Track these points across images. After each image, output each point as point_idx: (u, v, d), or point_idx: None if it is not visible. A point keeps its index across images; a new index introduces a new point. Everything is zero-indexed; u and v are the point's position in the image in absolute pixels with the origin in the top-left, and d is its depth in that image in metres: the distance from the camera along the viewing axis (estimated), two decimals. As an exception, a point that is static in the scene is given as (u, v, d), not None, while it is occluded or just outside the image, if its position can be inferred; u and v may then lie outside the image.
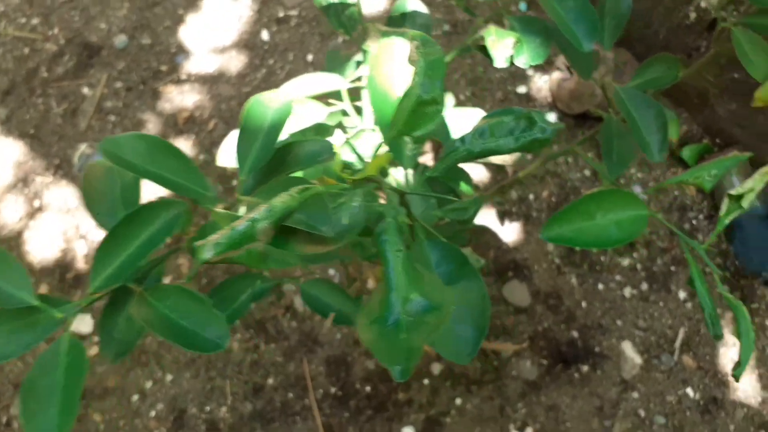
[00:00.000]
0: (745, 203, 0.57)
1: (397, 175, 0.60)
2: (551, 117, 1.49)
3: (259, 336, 1.32)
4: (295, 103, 0.65)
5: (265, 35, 1.58)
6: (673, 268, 1.41)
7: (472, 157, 0.42)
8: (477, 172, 1.43)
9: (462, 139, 0.42)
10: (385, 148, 0.39)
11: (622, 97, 0.58)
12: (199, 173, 0.44)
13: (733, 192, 0.57)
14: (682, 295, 1.40)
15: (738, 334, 0.53)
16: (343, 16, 0.69)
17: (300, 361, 1.29)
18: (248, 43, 1.57)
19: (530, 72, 1.53)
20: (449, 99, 0.69)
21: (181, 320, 0.40)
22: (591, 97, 1.40)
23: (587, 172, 1.46)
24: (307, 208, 0.34)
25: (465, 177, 0.77)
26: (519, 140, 0.41)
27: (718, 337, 0.56)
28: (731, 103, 1.40)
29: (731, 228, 1.43)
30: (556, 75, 1.45)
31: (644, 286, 1.40)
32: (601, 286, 1.39)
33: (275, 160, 0.45)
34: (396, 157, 0.47)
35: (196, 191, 0.42)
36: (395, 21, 0.66)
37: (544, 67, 1.53)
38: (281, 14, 1.60)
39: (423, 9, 0.67)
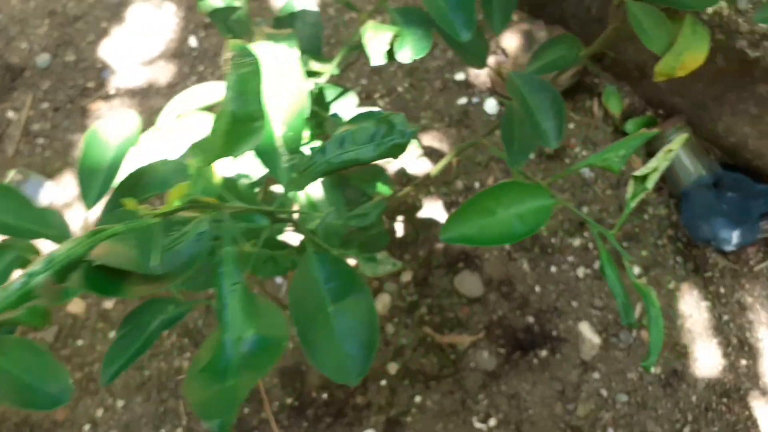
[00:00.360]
0: (650, 184, 0.54)
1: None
2: (491, 102, 1.46)
3: (209, 352, 1.28)
4: (183, 116, 0.62)
5: (193, 42, 1.54)
6: (624, 244, 1.40)
7: (332, 169, 0.39)
8: (419, 162, 1.40)
9: (322, 150, 0.39)
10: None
11: (517, 84, 0.55)
12: (45, 212, 0.40)
13: (637, 173, 0.55)
14: (636, 270, 1.39)
15: (648, 323, 0.51)
16: (231, 21, 0.65)
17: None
18: (176, 52, 1.52)
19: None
20: (352, 99, 0.66)
21: (23, 375, 0.37)
22: (560, 75, 1.37)
23: (531, 155, 1.45)
24: (138, 244, 0.31)
25: (381, 176, 0.74)
26: (379, 147, 0.38)
27: (632, 325, 0.53)
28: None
29: (679, 199, 1.42)
30: (493, 59, 1.43)
31: (597, 264, 1.38)
32: (553, 269, 1.37)
33: (127, 186, 0.41)
34: (272, 173, 0.44)
35: (36, 232, 0.39)
36: (283, 22, 0.62)
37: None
38: (208, 19, 1.55)
39: (313, 7, 0.64)
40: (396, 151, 0.39)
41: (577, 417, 1.30)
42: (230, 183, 0.50)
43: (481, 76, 1.48)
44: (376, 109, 0.64)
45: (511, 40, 1.39)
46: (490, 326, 1.33)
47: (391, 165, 1.40)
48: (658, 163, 0.54)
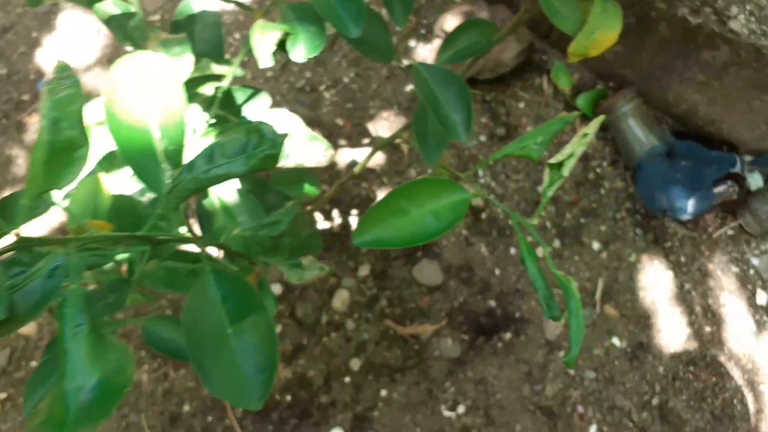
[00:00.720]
0: (566, 171, 0.52)
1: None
2: (440, 86, 1.44)
3: (167, 363, 1.25)
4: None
5: (129, 47, 1.49)
6: (582, 221, 1.39)
7: (201, 186, 0.37)
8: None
9: (190, 165, 0.37)
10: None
11: (424, 75, 0.53)
12: None
13: (552, 160, 0.53)
14: (596, 245, 1.38)
15: (568, 316, 0.49)
16: (128, 27, 0.62)
17: (213, 382, 1.23)
18: (112, 58, 1.48)
19: (413, 43, 1.47)
20: (264, 100, 0.63)
21: None
22: (474, 62, 1.35)
23: (483, 138, 1.43)
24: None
25: (307, 177, 0.71)
26: (250, 159, 0.36)
27: (555, 318, 0.52)
28: (616, 45, 1.36)
29: (634, 171, 1.41)
30: (437, 43, 1.40)
31: (556, 242, 1.37)
32: (513, 251, 1.36)
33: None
34: (153, 190, 0.41)
35: None
36: (181, 25, 0.59)
37: (426, 36, 1.48)
38: (144, 20, 1.50)
39: (212, 7, 0.61)
40: (268, 162, 0.37)
41: (545, 397, 1.29)
42: (123, 202, 0.47)
43: (427, 60, 1.46)
44: (282, 111, 0.62)
45: (452, 23, 1.36)
46: (452, 313, 1.31)
47: (341, 156, 1.38)
48: (574, 148, 0.52)
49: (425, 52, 1.47)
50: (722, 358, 1.33)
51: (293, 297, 1.28)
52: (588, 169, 1.42)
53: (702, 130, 1.40)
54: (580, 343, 0.48)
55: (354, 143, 1.38)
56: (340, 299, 1.28)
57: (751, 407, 1.30)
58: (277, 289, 1.28)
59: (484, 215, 1.37)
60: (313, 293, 1.29)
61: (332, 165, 1.36)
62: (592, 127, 0.52)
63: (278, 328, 1.26)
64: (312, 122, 1.39)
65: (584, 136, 0.52)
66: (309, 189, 0.69)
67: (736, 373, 1.32)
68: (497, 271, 1.35)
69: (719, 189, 1.34)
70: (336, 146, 1.37)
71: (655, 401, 1.30)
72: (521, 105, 1.44)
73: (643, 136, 1.37)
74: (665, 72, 1.34)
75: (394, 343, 1.28)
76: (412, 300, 1.31)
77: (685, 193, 1.33)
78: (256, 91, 0.62)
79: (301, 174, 0.70)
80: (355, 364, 1.26)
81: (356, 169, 0.63)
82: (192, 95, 0.56)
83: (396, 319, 1.29)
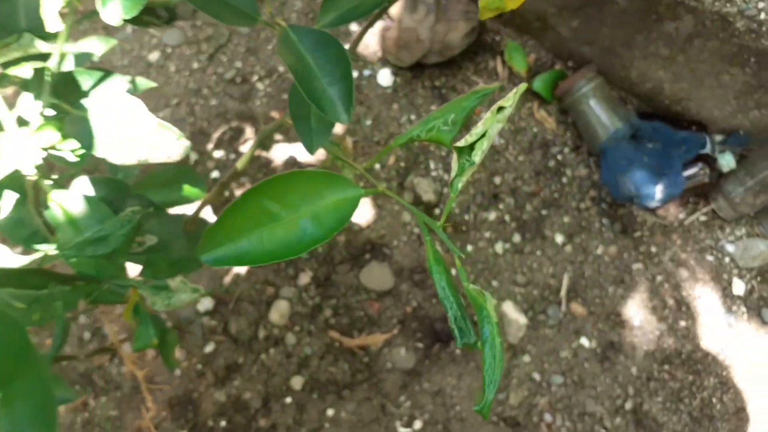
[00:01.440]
0: (478, 156, 0.41)
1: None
2: (385, 73, 1.32)
3: (87, 391, 1.12)
4: None
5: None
6: (544, 212, 1.28)
7: None
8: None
9: None
10: None
11: (293, 40, 0.41)
12: None
13: (460, 143, 0.41)
14: (559, 238, 1.27)
15: (482, 345, 0.38)
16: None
17: (138, 410, 1.11)
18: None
19: (354, 27, 1.35)
20: (120, 82, 0.51)
21: None
22: (418, 44, 1.23)
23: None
24: None
25: (188, 176, 0.59)
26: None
27: (470, 347, 0.40)
28: (573, 20, 1.26)
29: (598, 156, 1.30)
30: (380, 24, 1.28)
31: (516, 237, 1.26)
32: (470, 248, 1.25)
33: None
34: None
35: None
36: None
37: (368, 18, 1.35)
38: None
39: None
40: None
41: (510, 406, 1.18)
42: None
43: (371, 45, 1.34)
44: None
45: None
46: (405, 320, 1.20)
47: (275, 152, 1.25)
48: (487, 126, 0.40)
49: (368, 36, 1.35)
50: (699, 355, 1.23)
51: (226, 311, 1.16)
52: (548, 157, 1.31)
53: (669, 109, 1.29)
54: (497, 383, 0.36)
55: (291, 138, 1.25)
56: (279, 311, 1.16)
57: (731, 406, 1.20)
58: (207, 303, 1.16)
59: (437, 211, 1.26)
60: (248, 306, 1.16)
61: (267, 163, 1.24)
62: (510, 99, 0.41)
63: (210, 347, 1.14)
64: (244, 116, 1.26)
65: (499, 111, 0.40)
66: (190, 191, 0.57)
67: (713, 370, 1.22)
68: (453, 271, 1.23)
69: (689, 172, 1.24)
70: (271, 141, 1.25)
71: (628, 405, 1.19)
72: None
73: (606, 119, 1.26)
74: (627, 48, 1.23)
75: (341, 357, 1.16)
76: (360, 308, 1.19)
77: (653, 178, 1.23)
78: (106, 74, 0.49)
79: (179, 173, 0.58)
80: (297, 382, 1.14)
81: (239, 165, 0.51)
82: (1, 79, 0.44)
83: (342, 330, 1.17)
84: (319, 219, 0.40)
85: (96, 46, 0.71)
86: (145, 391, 0.58)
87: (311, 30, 0.42)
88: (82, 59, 0.70)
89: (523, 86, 0.41)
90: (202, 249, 0.38)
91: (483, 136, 0.41)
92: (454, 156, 0.41)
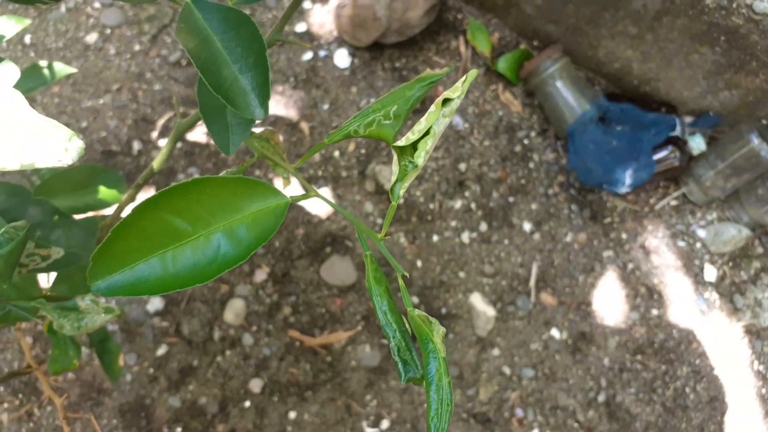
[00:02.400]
0: (422, 158, 0.35)
1: None
2: (342, 54, 1.25)
3: (31, 399, 1.05)
4: None
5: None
6: (511, 199, 1.23)
7: None
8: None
9: None
10: None
11: (196, 17, 0.34)
12: None
13: (401, 142, 0.35)
14: (527, 226, 1.22)
15: (425, 385, 0.32)
16: None
17: (87, 420, 1.04)
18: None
19: (308, 4, 1.28)
20: (10, 69, 0.44)
21: None
22: (375, 22, 1.16)
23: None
24: None
25: (105, 177, 0.52)
26: None
27: (415, 382, 0.34)
28: (537, -3, 1.20)
29: (566, 140, 1.26)
30: (334, 2, 1.21)
31: (483, 226, 1.21)
32: (435, 238, 1.19)
33: None
34: None
35: None
36: None
37: (322, -3, 1.28)
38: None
39: None
40: None
41: (480, 402, 1.14)
42: None
43: (326, 24, 1.26)
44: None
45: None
46: (369, 316, 1.14)
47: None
48: (431, 122, 0.34)
49: (323, 14, 1.28)
50: (671, 344, 1.20)
51: (178, 312, 1.09)
52: (514, 141, 1.25)
53: (637, 89, 1.25)
54: (445, 428, 0.30)
55: (244, 126, 1.18)
56: (234, 311, 1.09)
57: (705, 395, 1.18)
58: (157, 303, 1.09)
59: (401, 200, 1.20)
60: (201, 306, 1.09)
61: (220, 155, 1.16)
62: (458, 89, 0.35)
63: (162, 350, 1.07)
64: (190, 101, 1.18)
65: (445, 103, 0.34)
66: (107, 194, 0.50)
67: (686, 359, 1.19)
68: (419, 263, 1.18)
69: (659, 155, 1.20)
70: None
71: (601, 397, 1.16)
72: (437, 72, 1.26)
73: (573, 101, 1.21)
74: (594, 26, 1.18)
75: (302, 357, 1.10)
76: (322, 304, 1.13)
77: (622, 162, 1.18)
78: (-7, 60, 0.42)
79: (94, 173, 0.51)
80: (256, 385, 1.08)
81: (156, 164, 0.44)
82: None
83: (303, 328, 1.11)
84: (235, 235, 0.34)
85: (6, 25, 0.63)
86: (64, 423, 0.51)
87: (220, 6, 0.35)
88: (-10, 43, 0.62)
89: (473, 73, 0.35)
90: (92, 276, 0.32)
91: (427, 133, 0.35)
92: (395, 157, 0.35)
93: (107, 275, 0.32)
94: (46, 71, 0.66)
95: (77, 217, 0.52)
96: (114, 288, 0.32)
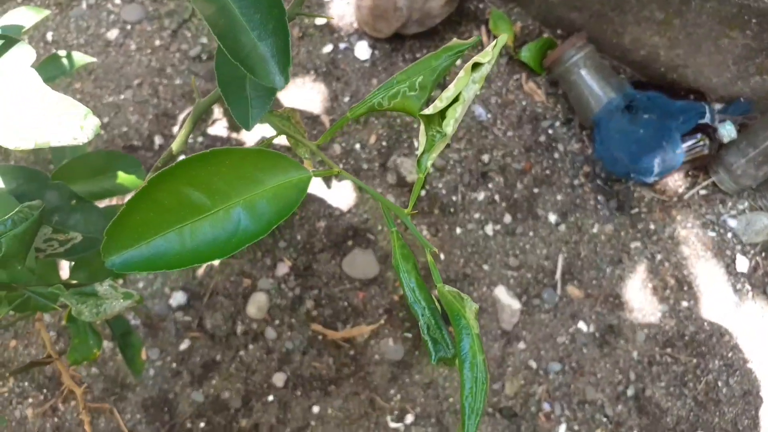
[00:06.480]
0: (450, 126, 0.33)
1: None
2: (363, 46, 1.24)
3: (55, 394, 1.05)
4: None
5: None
6: (536, 190, 1.21)
7: None
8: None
9: None
10: None
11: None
12: None
13: (428, 111, 0.33)
14: (552, 218, 1.20)
15: (458, 362, 0.30)
16: None
17: (111, 413, 1.04)
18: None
19: (327, -2, 1.27)
20: (26, 52, 0.43)
21: None
22: (395, 13, 1.15)
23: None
24: None
25: (122, 162, 0.51)
26: None
27: (449, 362, 0.33)
28: (560, -16, 1.18)
29: (592, 129, 1.23)
30: (354, -6, 1.20)
31: (507, 218, 1.19)
32: (458, 231, 1.18)
33: None
34: None
35: None
36: None
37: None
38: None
39: None
40: None
41: (506, 397, 1.12)
42: None
43: (346, 16, 1.25)
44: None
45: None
46: (392, 309, 1.13)
47: (246, 135, 1.17)
48: (459, 88, 0.33)
49: (343, 6, 1.27)
50: (702, 336, 1.16)
51: (200, 306, 1.08)
52: (538, 131, 1.23)
53: (664, 77, 1.22)
54: (480, 412, 0.29)
55: (264, 119, 1.17)
56: (257, 304, 1.09)
57: (738, 389, 1.14)
58: (180, 297, 1.08)
59: (423, 192, 1.18)
60: (224, 300, 1.09)
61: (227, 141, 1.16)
62: (489, 53, 0.33)
63: (185, 344, 1.07)
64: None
65: (475, 68, 0.33)
66: (125, 179, 0.49)
67: (718, 352, 1.16)
68: (442, 256, 1.16)
69: (688, 144, 1.17)
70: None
71: (630, 391, 1.13)
72: (457, 62, 1.25)
73: (598, 89, 1.18)
74: (619, 12, 1.15)
75: (325, 351, 1.09)
76: (344, 298, 1.12)
77: (649, 150, 1.16)
78: (8, 40, 0.42)
79: (112, 158, 0.50)
80: (280, 379, 1.07)
81: (174, 146, 0.44)
82: None
83: (325, 322, 1.10)
84: (256, 209, 0.33)
85: (25, 16, 0.63)
86: (84, 413, 0.50)
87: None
88: (10, 32, 0.62)
89: (503, 37, 0.34)
90: (106, 251, 0.31)
91: (456, 100, 0.33)
92: (422, 127, 0.34)
93: (122, 250, 0.31)
94: (64, 60, 0.65)
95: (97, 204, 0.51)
96: (129, 263, 0.31)
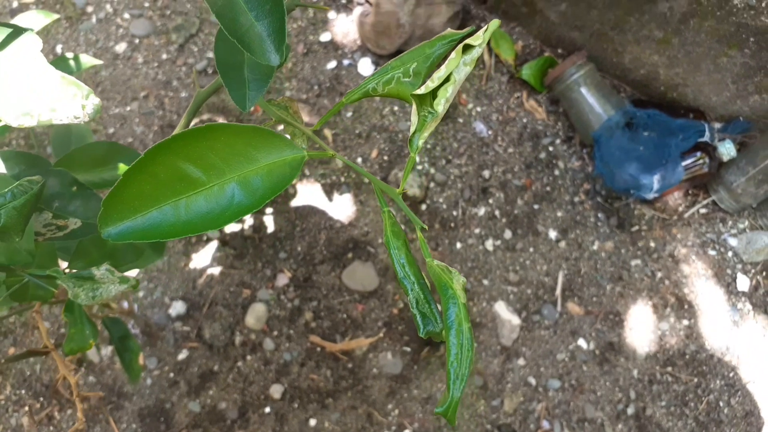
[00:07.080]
0: (441, 105, 0.34)
1: None
2: (366, 62, 1.25)
3: (52, 403, 1.05)
4: None
5: None
6: (536, 207, 1.21)
7: None
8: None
9: None
10: None
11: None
12: None
13: (420, 90, 0.34)
14: (552, 234, 1.20)
15: (444, 333, 0.31)
16: None
17: (107, 422, 1.03)
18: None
19: (332, 14, 1.29)
20: (33, 42, 0.44)
21: None
22: (398, 29, 1.17)
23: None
24: None
25: (124, 154, 0.52)
26: None
27: (437, 335, 0.33)
28: (560, 4, 1.20)
29: (592, 147, 1.24)
30: (358, 10, 1.22)
31: (507, 233, 1.19)
32: (458, 245, 1.18)
33: None
34: None
35: None
36: None
37: (346, 4, 1.29)
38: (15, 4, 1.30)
39: None
40: None
41: (504, 413, 1.11)
42: None
43: (349, 33, 1.27)
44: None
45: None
46: (391, 322, 1.12)
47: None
48: (450, 68, 0.34)
49: (347, 24, 1.29)
50: (703, 355, 1.16)
51: (199, 316, 1.09)
52: (538, 148, 1.24)
53: (664, 96, 1.23)
54: (465, 378, 0.29)
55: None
56: (256, 315, 1.09)
57: (740, 409, 1.13)
58: (179, 307, 1.08)
59: (424, 206, 1.19)
60: (223, 310, 1.09)
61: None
62: (480, 37, 0.34)
63: (183, 354, 1.07)
64: (216, 108, 1.19)
65: (466, 51, 0.34)
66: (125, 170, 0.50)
67: (719, 371, 1.15)
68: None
69: (688, 162, 1.17)
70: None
71: (630, 410, 1.12)
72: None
73: (598, 107, 1.20)
74: (618, 31, 1.17)
75: (323, 363, 1.09)
76: (343, 310, 1.12)
77: (649, 168, 1.16)
78: (15, 30, 0.43)
79: (112, 150, 0.51)
80: (277, 390, 1.06)
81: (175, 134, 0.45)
82: None
83: (324, 334, 1.10)
84: (250, 185, 0.33)
85: (35, 19, 0.64)
86: (77, 401, 0.51)
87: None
88: (18, 34, 0.63)
89: (495, 22, 0.35)
90: (102, 222, 0.31)
91: (447, 80, 0.34)
92: (414, 107, 0.35)
93: (119, 221, 0.32)
94: (71, 62, 0.67)
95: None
96: (125, 234, 0.32)
